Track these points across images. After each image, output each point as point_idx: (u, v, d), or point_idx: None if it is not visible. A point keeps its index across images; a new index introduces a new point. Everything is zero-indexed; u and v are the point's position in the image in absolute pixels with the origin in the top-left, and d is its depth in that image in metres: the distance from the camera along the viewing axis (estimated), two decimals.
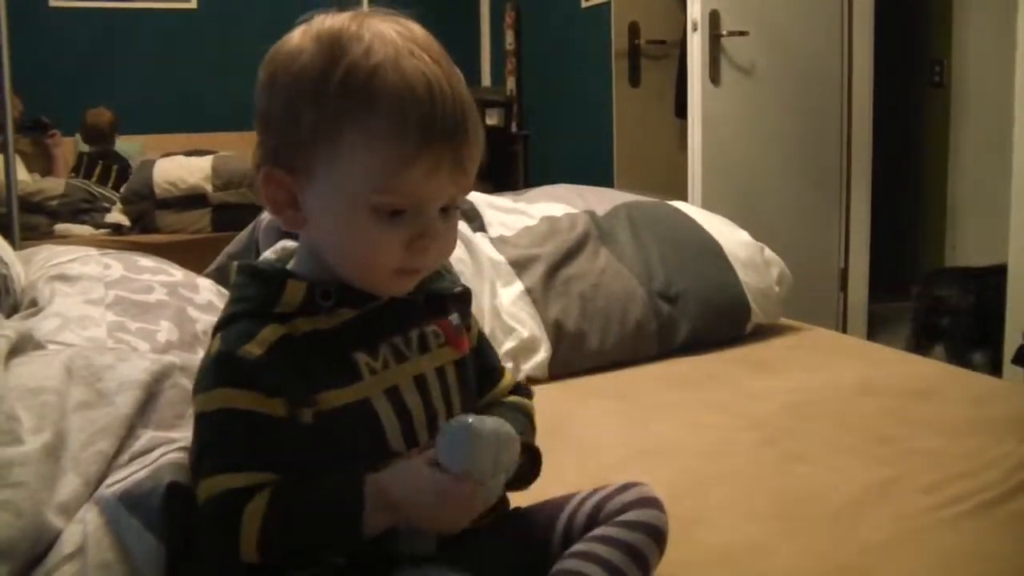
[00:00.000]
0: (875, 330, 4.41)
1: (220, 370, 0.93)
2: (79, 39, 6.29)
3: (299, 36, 0.96)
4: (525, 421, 1.12)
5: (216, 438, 0.93)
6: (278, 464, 0.92)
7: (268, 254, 2.19)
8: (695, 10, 3.85)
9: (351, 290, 0.98)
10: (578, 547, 1.00)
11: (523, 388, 1.19)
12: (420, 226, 0.94)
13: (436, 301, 1.07)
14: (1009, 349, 3.11)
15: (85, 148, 5.78)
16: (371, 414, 0.96)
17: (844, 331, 4.10)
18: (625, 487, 1.08)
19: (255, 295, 0.97)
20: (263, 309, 0.95)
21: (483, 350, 1.16)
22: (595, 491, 1.08)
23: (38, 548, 0.95)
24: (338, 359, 0.96)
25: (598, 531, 1.03)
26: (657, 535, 1.03)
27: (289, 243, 2.18)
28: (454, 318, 1.08)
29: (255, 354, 0.92)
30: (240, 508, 0.89)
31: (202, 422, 0.94)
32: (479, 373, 1.13)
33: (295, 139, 0.94)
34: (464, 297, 1.12)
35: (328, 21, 0.95)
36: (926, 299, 3.53)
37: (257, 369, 0.91)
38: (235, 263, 1.01)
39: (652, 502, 1.06)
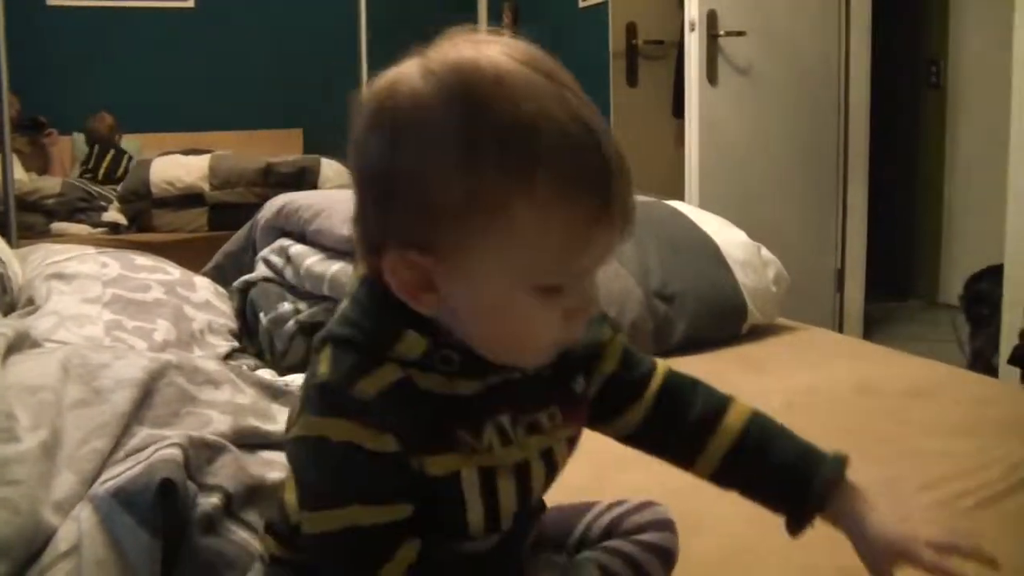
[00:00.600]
0: (871, 330, 4.42)
1: (332, 404, 0.81)
2: (76, 38, 6.29)
3: (420, 78, 0.79)
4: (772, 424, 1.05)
5: (338, 470, 0.81)
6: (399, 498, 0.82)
7: (269, 254, 2.20)
8: (692, 10, 3.86)
9: (474, 359, 0.84)
10: (587, 554, 1.02)
11: (677, 376, 1.06)
12: (580, 296, 0.82)
13: (563, 366, 0.90)
14: (1005, 349, 3.12)
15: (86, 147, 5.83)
16: (457, 491, 0.85)
17: (840, 331, 4.11)
18: (642, 506, 1.08)
19: (370, 329, 0.84)
20: (377, 347, 0.83)
21: (627, 366, 1.01)
22: (613, 505, 1.09)
23: (34, 546, 0.95)
24: (441, 429, 0.83)
25: (611, 543, 1.04)
26: (667, 557, 1.05)
27: (286, 241, 2.18)
28: (579, 384, 0.95)
29: (370, 393, 0.80)
30: (364, 539, 0.81)
31: (321, 452, 0.82)
32: (623, 388, 1.01)
33: (439, 212, 0.77)
34: (591, 345, 0.97)
35: (449, 55, 0.80)
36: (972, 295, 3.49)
37: (374, 409, 0.80)
38: (359, 275, 0.88)
39: (666, 524, 1.07)
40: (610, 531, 1.06)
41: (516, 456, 0.87)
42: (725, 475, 1.02)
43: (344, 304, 0.88)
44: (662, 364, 1.05)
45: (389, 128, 0.79)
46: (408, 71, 0.80)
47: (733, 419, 1.02)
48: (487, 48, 0.80)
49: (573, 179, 0.75)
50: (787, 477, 1.00)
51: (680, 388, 1.04)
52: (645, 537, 1.04)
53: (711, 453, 1.01)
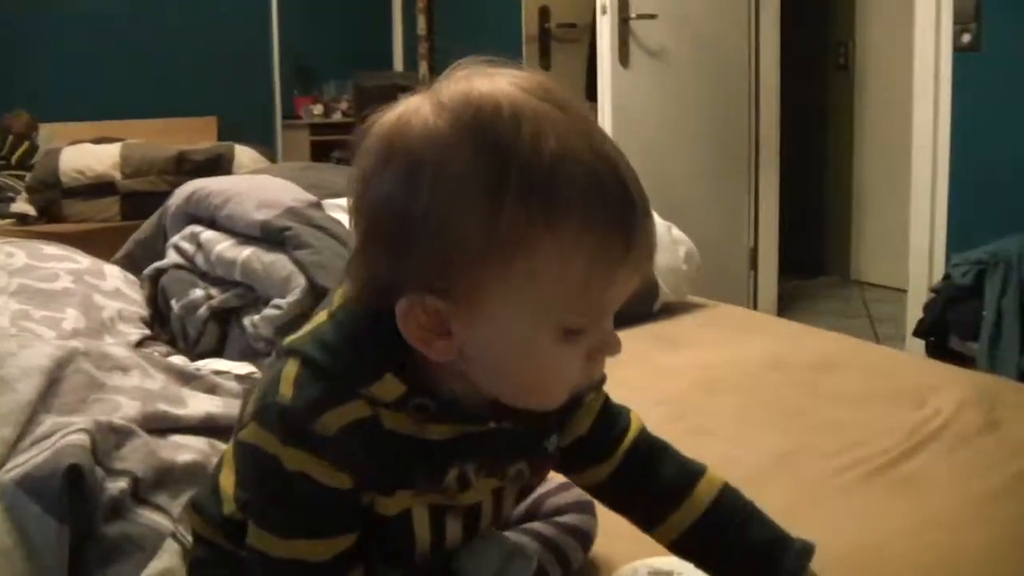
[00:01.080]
0: (785, 308, 4.51)
1: (292, 432, 0.78)
2: None
3: (432, 114, 0.76)
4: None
5: (291, 498, 0.80)
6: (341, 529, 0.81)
7: (179, 241, 2.18)
8: None
9: (449, 408, 0.82)
10: (506, 533, 1.02)
11: (648, 436, 1.05)
12: (601, 336, 0.80)
13: (542, 421, 0.89)
14: (910, 323, 3.21)
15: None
16: (406, 527, 0.85)
17: (755, 309, 4.18)
18: (562, 487, 1.09)
19: (350, 363, 0.80)
20: (351, 380, 0.79)
21: (602, 425, 1.00)
22: None
23: None
24: (400, 470, 0.82)
25: (530, 525, 1.06)
26: (585, 539, 1.08)
27: (196, 228, 2.17)
28: (552, 442, 0.93)
29: (332, 430, 0.77)
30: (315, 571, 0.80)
31: (274, 477, 0.79)
32: (595, 446, 0.99)
33: (460, 256, 0.73)
34: (574, 402, 0.93)
35: (461, 89, 0.77)
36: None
37: (333, 446, 0.78)
38: (343, 295, 0.83)
39: (586, 506, 1.09)
40: (531, 514, 1.07)
41: (470, 499, 0.87)
42: (686, 547, 0.98)
43: (321, 319, 0.84)
44: (636, 422, 1.03)
45: (404, 167, 0.75)
46: (418, 105, 0.77)
47: (701, 493, 0.99)
48: (499, 81, 0.77)
49: (598, 219, 0.73)
50: (750, 562, 0.96)
51: (650, 453, 1.02)
52: (564, 519, 1.06)
53: (673, 524, 0.98)
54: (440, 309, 0.75)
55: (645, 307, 2.29)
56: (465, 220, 0.72)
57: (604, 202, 0.73)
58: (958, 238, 3.23)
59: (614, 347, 0.81)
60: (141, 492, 1.04)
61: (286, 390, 0.79)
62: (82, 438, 1.02)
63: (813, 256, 5.46)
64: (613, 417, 1.01)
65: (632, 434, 1.01)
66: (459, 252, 0.73)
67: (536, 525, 1.06)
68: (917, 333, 3.03)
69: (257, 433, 0.80)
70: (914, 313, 3.24)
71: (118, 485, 1.02)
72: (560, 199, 0.72)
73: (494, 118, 0.73)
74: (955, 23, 3.19)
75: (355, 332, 0.81)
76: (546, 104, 0.75)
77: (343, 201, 1.79)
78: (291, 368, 0.80)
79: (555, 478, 1.04)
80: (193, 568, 0.95)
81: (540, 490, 1.07)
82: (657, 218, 2.37)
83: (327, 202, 2.16)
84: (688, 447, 1.48)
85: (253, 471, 0.83)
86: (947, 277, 2.97)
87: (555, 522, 1.06)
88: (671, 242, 2.40)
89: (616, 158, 0.75)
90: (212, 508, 0.91)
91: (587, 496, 1.06)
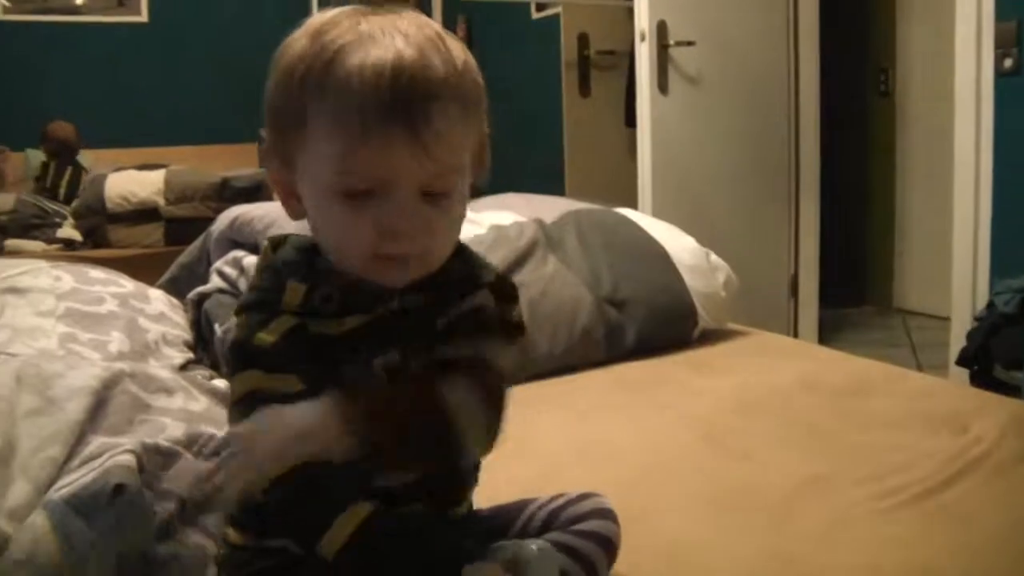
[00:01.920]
0: (826, 336, 4.47)
1: (240, 357, 0.93)
2: (29, 53, 6.25)
3: (301, 29, 0.95)
4: None
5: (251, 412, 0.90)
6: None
7: (222, 266, 2.21)
8: (643, 21, 3.90)
9: (356, 293, 0.95)
10: (530, 543, 1.02)
11: None
12: (387, 209, 0.90)
13: (443, 289, 1.00)
14: (954, 352, 3.18)
15: (42, 158, 5.75)
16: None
17: (795, 337, 4.15)
18: (582, 497, 1.11)
19: (266, 286, 0.96)
20: (273, 302, 0.94)
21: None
22: (552, 499, 1.11)
23: None
24: (333, 365, 0.93)
25: (551, 535, 1.06)
26: (608, 545, 1.07)
27: (239, 252, 2.19)
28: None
29: (270, 341, 0.91)
30: (311, 484, 0.88)
31: (238, 408, 0.92)
32: None
33: (281, 130, 0.94)
34: (493, 286, 1.06)
35: (330, 13, 0.95)
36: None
37: (274, 355, 0.91)
38: (269, 236, 0.99)
39: (606, 513, 1.10)
40: (549, 523, 1.08)
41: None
42: None
43: (255, 276, 1.00)
44: None
45: (271, 69, 0.96)
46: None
47: None
48: (375, 11, 0.94)
49: (347, 103, 0.87)
50: None
51: None
52: (584, 526, 1.07)
53: None
54: (284, 174, 0.96)
55: (684, 333, 2.30)
56: (278, 99, 0.93)
57: (356, 88, 0.87)
58: (1001, 265, 3.20)
59: (396, 221, 0.90)
60: (188, 515, 1.06)
61: (234, 333, 0.95)
62: (129, 459, 1.04)
63: (854, 284, 5.43)
64: None
65: None
66: (279, 125, 0.94)
67: (555, 535, 1.06)
68: (960, 362, 3.00)
69: (231, 389, 0.95)
70: (957, 342, 3.21)
71: (166, 507, 1.03)
72: (326, 82, 0.89)
73: (326, 22, 0.93)
74: (996, 48, 3.17)
75: (264, 264, 0.98)
76: (386, 22, 0.92)
77: None
78: (238, 319, 0.95)
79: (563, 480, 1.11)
80: (233, 567, 0.98)
81: (559, 501, 1.10)
82: (695, 244, 2.40)
83: None
84: (722, 470, 1.50)
85: (233, 417, 0.94)
86: (990, 305, 2.94)
87: (577, 530, 1.06)
88: (709, 268, 2.40)
89: (400, 63, 0.88)
90: (240, 514, 0.97)
91: (607, 503, 1.10)
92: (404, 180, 0.90)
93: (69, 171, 5.63)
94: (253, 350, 0.91)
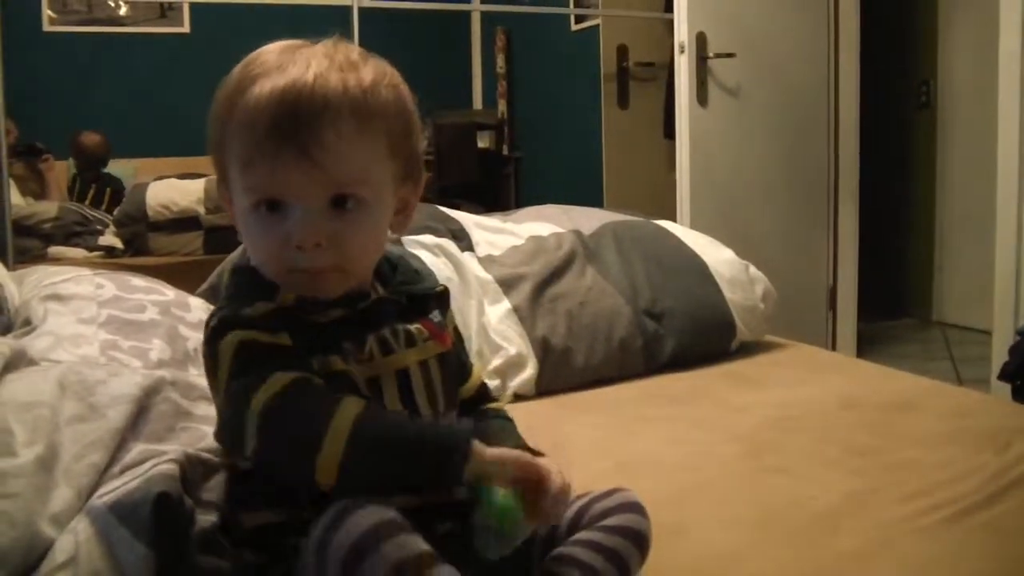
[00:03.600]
0: (864, 349, 4.44)
1: (228, 324, 0.97)
2: (73, 63, 6.33)
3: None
4: (515, 432, 1.15)
5: (248, 362, 0.95)
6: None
7: None
8: (682, 32, 3.90)
9: (340, 296, 1.02)
10: (559, 551, 1.03)
11: (486, 388, 1.24)
12: (291, 224, 0.97)
13: (418, 301, 1.11)
14: (996, 366, 3.15)
15: (74, 171, 5.82)
16: (360, 390, 1.00)
17: (833, 350, 4.12)
18: (608, 493, 1.11)
19: (251, 295, 1.00)
20: (253, 297, 0.99)
21: (456, 345, 1.18)
22: (578, 496, 1.10)
23: (31, 558, 0.97)
24: (329, 345, 1.00)
25: (580, 535, 1.05)
26: (638, 539, 1.06)
27: None
28: (435, 315, 1.13)
29: (258, 312, 0.97)
30: (309, 393, 0.93)
31: (231, 371, 0.95)
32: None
33: (214, 152, 1.04)
34: (443, 296, 1.17)
35: (270, 46, 1.04)
36: None
37: (262, 321, 0.96)
38: (231, 267, 1.06)
39: (634, 506, 1.09)
40: (577, 520, 1.08)
41: (397, 364, 1.04)
42: None
43: (228, 288, 1.07)
44: (478, 374, 1.22)
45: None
46: None
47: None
48: (308, 45, 1.03)
49: (247, 122, 0.96)
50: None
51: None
52: (612, 521, 1.06)
53: None
54: (226, 196, 1.05)
55: (722, 345, 2.29)
56: (210, 124, 1.03)
57: (256, 107, 0.95)
58: None
59: (296, 235, 0.97)
60: (230, 529, 1.06)
61: (212, 321, 0.99)
62: (172, 468, 1.04)
63: (893, 296, 5.39)
64: (464, 350, 1.23)
65: (474, 379, 1.20)
66: (213, 147, 1.03)
67: (587, 534, 1.05)
68: (1002, 376, 2.96)
69: (216, 376, 0.98)
70: (999, 356, 3.18)
71: (209, 518, 1.04)
72: (240, 103, 0.97)
73: (255, 55, 1.02)
74: None
75: (247, 271, 1.04)
76: (309, 53, 1.00)
77: (424, 237, 1.94)
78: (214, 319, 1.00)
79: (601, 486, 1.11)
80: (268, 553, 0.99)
81: (583, 498, 1.10)
82: (733, 256, 2.39)
83: (406, 238, 2.19)
84: (761, 485, 1.49)
85: (228, 381, 0.96)
86: None
87: (605, 526, 1.06)
88: (748, 280, 2.39)
89: (298, 85, 0.96)
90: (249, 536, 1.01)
91: (635, 497, 1.10)
92: (301, 193, 0.97)
93: (94, 187, 5.68)
94: (240, 318, 0.97)
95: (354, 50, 1.03)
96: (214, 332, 0.98)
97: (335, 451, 0.88)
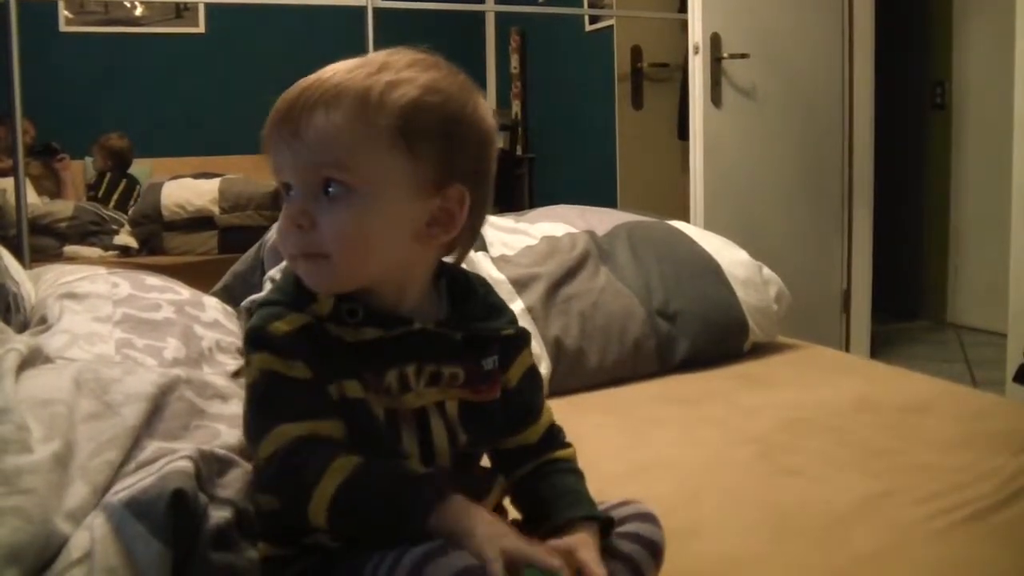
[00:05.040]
0: (878, 351, 4.43)
1: (252, 341, 0.99)
2: (89, 64, 6.35)
3: None
4: (581, 487, 1.12)
5: (263, 397, 0.98)
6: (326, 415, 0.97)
7: (276, 274, 2.23)
8: (696, 33, 3.89)
9: (378, 311, 1.02)
10: None
11: (558, 431, 1.19)
12: (286, 206, 1.01)
13: (477, 342, 1.08)
14: (1011, 368, 3.13)
15: (99, 169, 5.86)
16: (375, 421, 1.00)
17: (847, 352, 4.11)
18: (622, 504, 1.11)
19: (292, 293, 1.02)
20: (292, 302, 1.01)
21: (524, 389, 1.15)
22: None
23: (47, 553, 0.97)
24: (348, 366, 0.99)
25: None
26: (653, 548, 1.07)
27: None
28: (489, 362, 1.08)
29: (283, 330, 0.98)
30: (305, 453, 0.94)
31: (248, 391, 1.00)
32: (516, 410, 1.13)
33: None
34: (513, 340, 1.13)
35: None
36: None
37: (285, 342, 0.97)
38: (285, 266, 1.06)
39: (647, 517, 1.10)
40: None
41: (414, 403, 1.02)
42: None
43: (279, 280, 1.07)
44: (547, 411, 1.19)
45: None
46: None
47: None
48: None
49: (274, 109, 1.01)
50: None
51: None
52: (628, 528, 1.06)
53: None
54: None
55: (735, 346, 2.29)
56: None
57: (279, 100, 1.01)
58: None
59: (288, 214, 1.01)
60: (245, 525, 1.07)
61: (250, 322, 1.02)
62: (187, 465, 1.05)
63: (908, 298, 5.37)
64: (538, 394, 1.18)
65: (539, 427, 1.16)
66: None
67: (604, 541, 1.05)
68: (1017, 379, 2.95)
69: (245, 375, 1.01)
70: (1014, 358, 3.16)
71: (223, 515, 1.04)
72: None
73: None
74: None
75: (291, 271, 1.04)
76: (371, 57, 1.03)
77: None
78: (256, 313, 1.02)
79: (613, 493, 1.13)
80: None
81: (600, 506, 1.09)
82: (747, 257, 2.39)
83: None
84: (775, 487, 1.49)
85: (247, 408, 1.01)
86: None
87: (621, 533, 1.06)
88: (761, 281, 2.39)
89: (311, 79, 1.00)
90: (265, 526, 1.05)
91: (647, 508, 1.10)
92: (294, 174, 1.00)
93: (123, 183, 5.74)
94: (266, 335, 0.98)
95: (412, 58, 1.03)
96: (248, 338, 1.00)
97: (320, 511, 0.92)
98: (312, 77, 1.00)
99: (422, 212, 1.01)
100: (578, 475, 1.14)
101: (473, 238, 1.11)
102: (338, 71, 1.00)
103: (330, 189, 0.98)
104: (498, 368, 1.10)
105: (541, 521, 1.07)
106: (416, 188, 1.00)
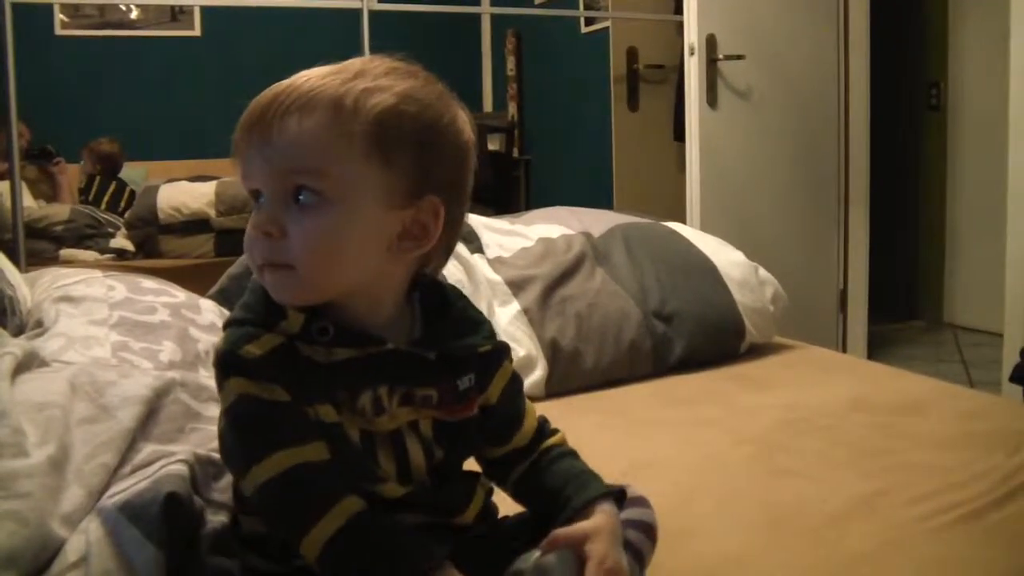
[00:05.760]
0: (875, 352, 4.44)
1: (225, 366, 0.96)
2: (85, 67, 6.35)
3: None
4: (581, 467, 1.13)
5: (247, 424, 0.95)
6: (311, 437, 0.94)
7: None
8: (692, 35, 3.90)
9: (351, 330, 0.98)
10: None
11: (543, 422, 1.17)
12: (255, 214, 0.98)
13: (452, 361, 1.04)
14: (1007, 368, 3.14)
15: (89, 173, 5.86)
16: (352, 443, 0.98)
17: (844, 352, 4.12)
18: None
19: (261, 311, 0.98)
20: (264, 322, 0.97)
21: (506, 402, 1.12)
22: None
23: (42, 557, 0.97)
24: (322, 388, 0.96)
25: None
26: (649, 531, 1.09)
27: None
28: (465, 381, 1.05)
29: (255, 354, 0.94)
30: (304, 486, 0.92)
31: (227, 416, 0.96)
32: (500, 423, 1.12)
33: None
34: (491, 356, 1.10)
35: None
36: None
37: (257, 366, 0.94)
38: (253, 279, 1.01)
39: (643, 500, 1.12)
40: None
41: (388, 426, 1.00)
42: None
43: (246, 295, 1.02)
44: (531, 412, 1.17)
45: None
46: None
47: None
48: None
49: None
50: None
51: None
52: (627, 515, 1.08)
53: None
54: None
55: (732, 347, 2.29)
56: None
57: (251, 104, 0.98)
58: None
59: (256, 222, 0.97)
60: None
61: (219, 345, 0.97)
62: (182, 468, 1.05)
63: (904, 298, 5.38)
64: (519, 400, 1.15)
65: (526, 429, 1.14)
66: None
67: None
68: (1014, 379, 2.96)
69: (220, 400, 0.97)
70: (1010, 358, 3.17)
71: (219, 519, 1.04)
72: None
73: None
74: None
75: (258, 284, 1.00)
76: (344, 63, 1.01)
77: None
78: (223, 334, 0.98)
79: None
80: None
81: None
82: (743, 258, 2.39)
83: None
84: (771, 487, 1.49)
85: (225, 435, 0.97)
86: None
87: (622, 519, 1.07)
88: (757, 283, 2.39)
89: (282, 84, 0.98)
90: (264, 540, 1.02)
91: (638, 491, 1.12)
92: (263, 179, 0.97)
93: (113, 186, 5.73)
94: (238, 360, 0.95)
95: (390, 66, 1.01)
96: (220, 362, 0.96)
97: (314, 547, 0.91)
98: (286, 82, 0.98)
99: (395, 223, 0.98)
100: (575, 456, 1.14)
101: (448, 253, 1.08)
102: (312, 77, 0.98)
103: (301, 197, 0.95)
104: (475, 387, 1.07)
105: (555, 512, 1.06)
106: (390, 198, 0.97)
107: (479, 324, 1.11)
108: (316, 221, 0.94)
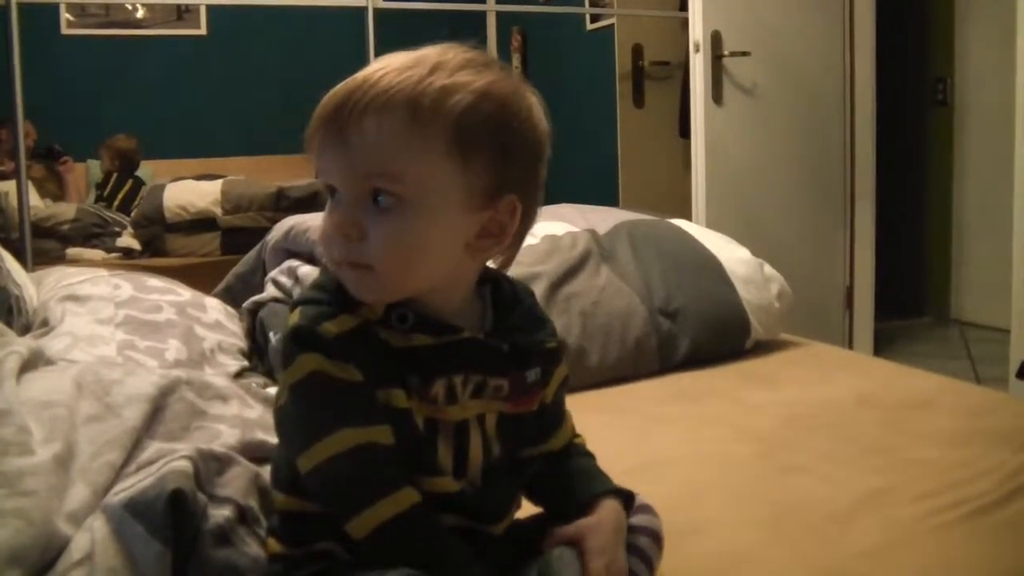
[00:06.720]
0: (882, 348, 4.42)
1: (301, 341, 0.95)
2: (91, 66, 6.37)
3: None
4: (590, 464, 1.16)
5: (316, 399, 0.95)
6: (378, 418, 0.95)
7: (278, 275, 2.23)
8: (697, 31, 3.89)
9: (427, 317, 0.99)
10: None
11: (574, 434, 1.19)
12: (332, 212, 0.97)
13: (521, 353, 1.05)
14: (1014, 364, 3.13)
15: (107, 169, 5.88)
16: (415, 431, 0.98)
17: (850, 349, 4.11)
18: None
19: (338, 294, 0.98)
20: (338, 302, 0.97)
21: (559, 401, 1.15)
22: None
23: (48, 555, 0.98)
24: (396, 372, 0.97)
25: None
26: (656, 538, 1.09)
27: (294, 262, 2.22)
28: (532, 374, 1.07)
29: (333, 332, 0.94)
30: (368, 465, 0.93)
31: (295, 391, 0.95)
32: (547, 422, 1.13)
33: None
34: (554, 354, 1.12)
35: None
36: None
37: (334, 344, 0.94)
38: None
39: (646, 508, 1.12)
40: None
41: (457, 416, 1.00)
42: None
43: (318, 275, 1.03)
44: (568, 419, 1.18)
45: None
46: None
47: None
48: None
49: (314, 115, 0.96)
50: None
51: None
52: (635, 521, 1.09)
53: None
54: None
55: (737, 344, 2.28)
56: None
57: (333, 92, 0.95)
58: None
59: (333, 221, 0.96)
60: (248, 521, 1.07)
61: (292, 320, 0.97)
62: (185, 465, 1.05)
63: (911, 295, 5.37)
64: (564, 403, 1.17)
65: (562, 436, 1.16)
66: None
67: None
68: (1020, 375, 2.95)
69: (282, 382, 0.98)
70: (1017, 355, 3.17)
71: (223, 512, 1.05)
72: None
73: None
74: None
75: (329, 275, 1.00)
76: (421, 52, 0.98)
77: None
78: (295, 312, 0.97)
79: None
80: None
81: None
82: (748, 255, 2.39)
83: None
84: (777, 484, 1.49)
85: (289, 410, 0.97)
86: None
87: (631, 525, 1.08)
88: (763, 279, 2.38)
89: (362, 76, 0.95)
90: (275, 522, 1.05)
91: (643, 500, 1.13)
92: (341, 180, 0.96)
93: (129, 183, 5.75)
94: (315, 336, 0.94)
95: (465, 57, 0.98)
96: (295, 337, 0.96)
97: (365, 528, 0.92)
98: (359, 77, 0.95)
99: (474, 224, 0.98)
100: (590, 456, 1.16)
101: (519, 245, 1.08)
102: (389, 71, 0.94)
103: (379, 199, 0.94)
104: (540, 381, 1.08)
105: (564, 510, 1.07)
106: (468, 200, 0.96)
107: (544, 322, 1.13)
108: (395, 225, 0.94)
